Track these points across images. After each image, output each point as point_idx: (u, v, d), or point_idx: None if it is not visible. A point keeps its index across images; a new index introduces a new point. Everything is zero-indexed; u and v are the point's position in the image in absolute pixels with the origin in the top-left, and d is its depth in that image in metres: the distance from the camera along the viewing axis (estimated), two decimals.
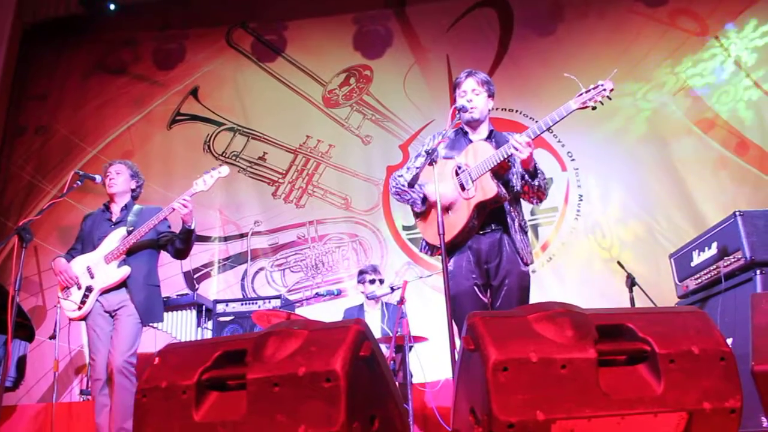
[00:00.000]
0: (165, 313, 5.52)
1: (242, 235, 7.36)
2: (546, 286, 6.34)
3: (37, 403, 6.33)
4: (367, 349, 1.65)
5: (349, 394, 1.54)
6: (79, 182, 4.25)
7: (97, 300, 4.02)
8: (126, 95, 8.13)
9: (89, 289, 4.03)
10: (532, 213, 6.70)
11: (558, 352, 1.57)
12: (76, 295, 4.05)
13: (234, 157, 7.67)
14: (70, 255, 4.24)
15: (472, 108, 3.29)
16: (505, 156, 3.09)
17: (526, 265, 3.24)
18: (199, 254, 7.21)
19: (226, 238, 7.38)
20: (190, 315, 5.71)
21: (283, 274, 7.16)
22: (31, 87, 8.39)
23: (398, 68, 7.64)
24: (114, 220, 4.23)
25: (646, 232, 6.43)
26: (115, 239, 4.09)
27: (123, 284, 4.03)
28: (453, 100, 3.48)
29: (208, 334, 5.71)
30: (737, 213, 3.64)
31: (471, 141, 3.38)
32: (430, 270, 6.26)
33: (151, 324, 4.31)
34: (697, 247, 4.08)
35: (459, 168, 3.26)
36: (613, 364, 1.62)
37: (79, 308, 4.02)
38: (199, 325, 5.71)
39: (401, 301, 4.64)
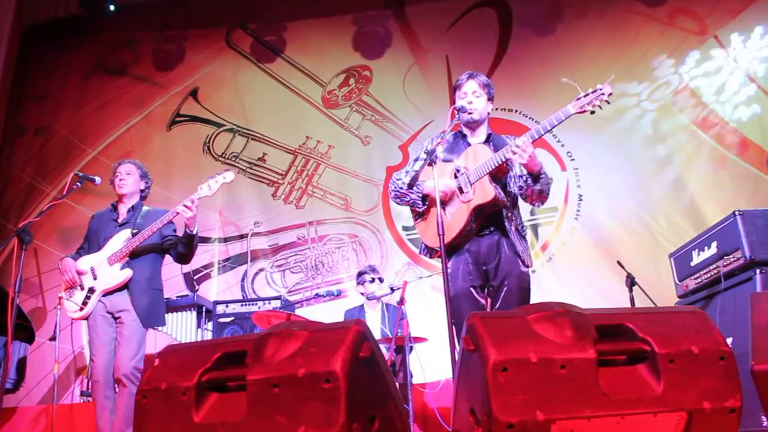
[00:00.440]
0: (166, 314, 5.54)
1: (242, 236, 7.36)
2: (546, 286, 6.34)
3: (37, 404, 6.33)
4: (366, 349, 1.65)
5: (349, 394, 1.54)
6: (78, 183, 4.25)
7: (99, 301, 4.03)
8: (126, 96, 8.13)
9: (91, 290, 4.03)
10: (532, 213, 6.70)
11: (558, 353, 1.57)
12: (79, 295, 4.05)
13: (234, 158, 7.67)
14: (78, 254, 4.24)
15: (471, 110, 3.30)
16: (503, 160, 3.10)
17: (526, 266, 3.24)
18: (199, 255, 7.15)
19: (226, 239, 7.38)
20: (190, 316, 5.71)
21: (283, 274, 7.16)
22: (31, 88, 8.39)
23: (398, 69, 7.64)
24: (120, 221, 4.22)
25: (646, 232, 6.43)
26: (119, 241, 4.09)
27: (126, 286, 4.03)
28: (453, 101, 3.49)
29: (208, 336, 5.71)
30: (737, 212, 3.64)
31: (469, 144, 3.38)
32: (429, 270, 6.27)
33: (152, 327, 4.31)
34: (696, 246, 4.08)
35: (457, 171, 3.27)
36: (613, 364, 1.62)
37: (81, 309, 4.02)
38: (199, 326, 5.71)
39: (401, 302, 4.64)
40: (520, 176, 3.32)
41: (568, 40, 7.27)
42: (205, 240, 7.32)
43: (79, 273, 4.05)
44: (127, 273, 4.01)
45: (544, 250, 6.67)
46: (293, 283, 7.10)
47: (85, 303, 4.02)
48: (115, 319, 4.03)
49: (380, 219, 7.16)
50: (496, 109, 6.88)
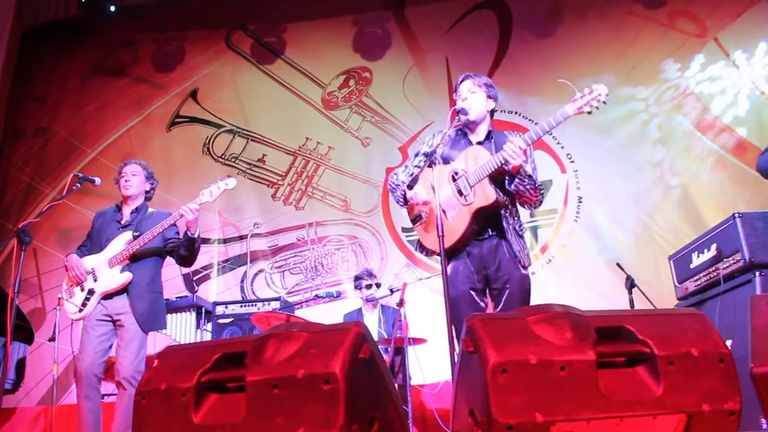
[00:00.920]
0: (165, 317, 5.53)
1: (242, 237, 7.36)
2: (545, 288, 6.34)
3: (36, 405, 6.33)
4: (366, 351, 1.65)
5: (349, 396, 1.54)
6: (78, 184, 4.24)
7: (99, 303, 4.02)
8: (125, 97, 8.13)
9: (91, 292, 4.03)
10: (531, 215, 6.70)
11: (557, 354, 1.57)
12: (78, 297, 4.05)
13: (233, 159, 7.67)
14: (80, 252, 4.24)
15: (467, 109, 3.30)
16: (501, 162, 3.10)
17: (525, 268, 3.24)
18: (198, 256, 7.19)
19: (225, 240, 7.38)
20: (190, 317, 5.71)
21: (282, 276, 7.16)
22: (31, 89, 8.39)
23: (397, 70, 7.65)
24: (123, 222, 4.21)
25: (646, 234, 6.44)
26: (120, 243, 4.08)
27: (125, 290, 4.03)
28: (453, 103, 3.50)
29: (208, 336, 5.71)
30: (736, 215, 3.64)
31: (470, 142, 3.38)
32: (429, 272, 6.27)
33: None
34: (696, 248, 4.09)
35: (456, 173, 3.26)
36: (613, 366, 1.62)
37: (80, 310, 4.02)
38: (198, 327, 5.71)
39: (401, 303, 4.64)
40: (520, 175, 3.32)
41: (568, 42, 7.28)
42: (205, 241, 7.32)
43: (82, 272, 4.04)
44: (127, 276, 4.01)
45: (543, 252, 6.66)
46: (293, 285, 7.10)
47: (84, 304, 4.02)
48: (115, 322, 4.03)
49: (380, 220, 7.16)
50: (497, 110, 6.94)
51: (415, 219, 3.40)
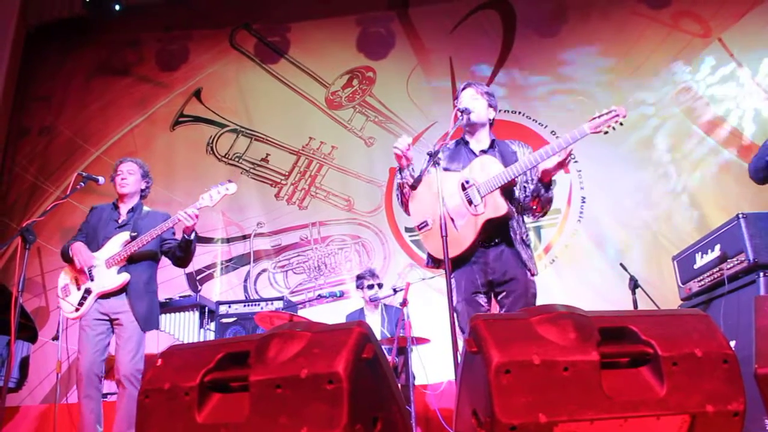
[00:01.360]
0: (168, 315, 5.55)
1: (245, 237, 7.37)
2: (548, 289, 6.33)
3: (40, 404, 6.34)
4: (369, 351, 1.65)
5: (352, 396, 1.54)
6: (82, 183, 4.25)
7: (96, 301, 4.03)
8: (129, 96, 8.15)
9: (87, 292, 4.03)
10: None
11: (560, 355, 1.57)
12: (75, 296, 4.06)
13: (237, 159, 7.68)
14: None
15: (471, 110, 3.31)
16: (518, 174, 3.10)
17: (532, 275, 3.24)
18: (201, 256, 7.22)
19: (228, 240, 7.39)
20: (193, 316, 5.71)
21: (285, 275, 7.16)
22: (35, 88, 8.42)
23: (401, 70, 7.65)
24: (120, 222, 4.22)
25: (649, 234, 6.43)
26: (117, 243, 4.09)
27: (123, 290, 4.04)
28: (455, 107, 3.51)
29: (211, 336, 5.71)
30: (740, 215, 3.64)
31: (472, 151, 3.38)
32: (432, 272, 6.27)
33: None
34: (700, 249, 4.08)
35: (466, 182, 3.24)
36: (616, 367, 1.61)
37: (77, 309, 4.03)
38: (201, 326, 5.72)
39: (404, 303, 4.64)
40: (528, 183, 3.32)
41: (572, 42, 7.27)
42: (208, 240, 7.33)
43: (86, 259, 4.03)
44: (124, 277, 4.02)
45: (546, 252, 6.66)
46: (296, 284, 7.11)
47: (81, 304, 4.03)
48: (112, 321, 4.04)
49: (383, 220, 7.16)
50: (501, 111, 6.93)
51: (421, 225, 3.37)
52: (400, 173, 3.36)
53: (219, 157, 7.73)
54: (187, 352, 1.86)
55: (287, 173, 7.57)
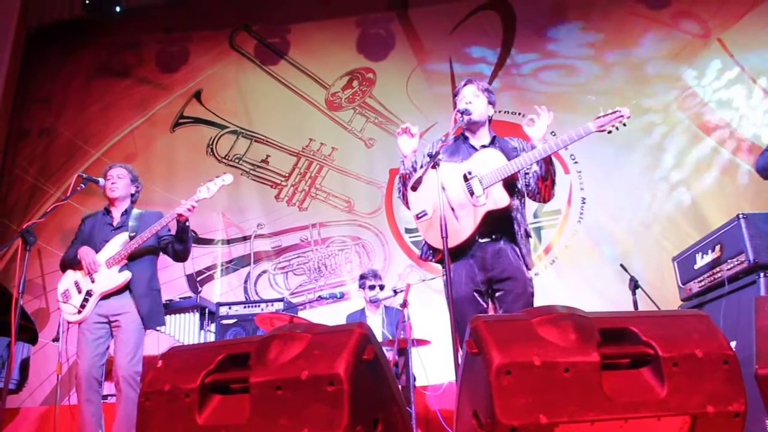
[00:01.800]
0: (168, 316, 5.55)
1: (245, 238, 7.37)
2: (549, 289, 6.33)
3: (40, 405, 6.34)
4: (370, 352, 1.65)
5: (353, 397, 1.54)
6: (82, 185, 4.26)
7: (97, 303, 4.03)
8: (129, 98, 8.15)
9: (89, 294, 4.04)
10: (535, 216, 6.70)
11: (561, 356, 1.57)
12: (76, 298, 4.06)
13: (237, 160, 7.68)
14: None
15: (471, 110, 3.32)
16: (522, 167, 3.11)
17: (529, 270, 3.25)
18: (202, 257, 7.22)
19: (229, 241, 7.39)
20: (193, 318, 5.71)
21: (286, 276, 7.16)
22: (36, 90, 8.42)
23: (401, 71, 7.65)
24: (115, 224, 4.23)
25: (649, 235, 6.42)
26: (116, 244, 4.10)
27: (125, 289, 4.04)
28: (455, 105, 3.51)
29: (211, 337, 5.71)
30: (740, 216, 3.64)
31: (472, 146, 3.39)
32: (433, 273, 6.26)
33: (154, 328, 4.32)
34: (700, 249, 4.08)
35: (468, 173, 3.25)
36: (617, 368, 1.61)
37: (79, 312, 4.03)
38: (202, 328, 5.72)
39: (404, 304, 4.63)
40: (529, 173, 3.34)
41: (571, 42, 7.28)
42: (208, 242, 7.33)
43: (92, 261, 4.04)
44: (126, 275, 4.03)
45: (547, 253, 6.66)
46: (296, 285, 7.10)
47: (83, 306, 4.03)
48: (111, 323, 4.04)
49: (383, 221, 7.15)
50: (501, 111, 6.94)
51: (420, 215, 3.36)
52: (403, 164, 3.38)
53: (219, 158, 7.73)
54: (187, 354, 1.86)
55: (287, 174, 7.57)
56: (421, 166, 3.35)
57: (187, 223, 4.08)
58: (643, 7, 7.17)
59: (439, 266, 3.51)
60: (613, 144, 6.78)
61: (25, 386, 5.28)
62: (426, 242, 3.36)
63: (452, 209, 3.20)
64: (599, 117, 3.10)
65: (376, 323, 5.47)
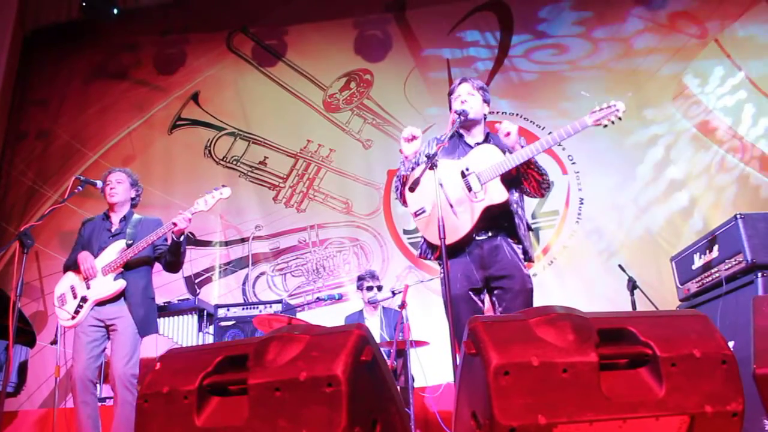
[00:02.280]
0: (166, 318, 5.55)
1: (243, 240, 7.36)
2: (547, 290, 6.33)
3: (38, 408, 6.33)
4: (368, 353, 1.65)
5: (351, 398, 1.54)
6: (80, 187, 4.25)
7: (92, 308, 4.03)
8: (127, 100, 8.15)
9: (84, 300, 4.04)
10: (533, 216, 6.71)
11: (559, 356, 1.57)
12: (71, 304, 4.06)
13: (235, 162, 7.68)
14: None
15: (467, 109, 3.32)
16: (520, 161, 3.11)
17: (526, 267, 3.24)
18: (200, 259, 7.21)
19: (227, 243, 7.38)
20: (192, 320, 5.71)
21: (284, 278, 7.16)
22: (33, 92, 8.42)
23: (399, 72, 7.65)
24: (113, 231, 4.23)
25: (647, 235, 6.43)
26: (113, 251, 4.10)
27: (120, 296, 4.04)
28: (450, 103, 3.52)
29: (210, 339, 5.71)
30: (738, 216, 3.64)
31: (467, 144, 3.39)
32: (431, 274, 6.26)
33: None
34: (698, 249, 4.08)
35: (466, 170, 3.25)
36: (615, 368, 1.62)
37: (73, 317, 4.03)
38: (200, 329, 5.71)
39: (402, 306, 4.63)
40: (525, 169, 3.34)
41: (570, 43, 7.29)
42: (207, 243, 7.33)
43: (91, 267, 4.04)
44: (121, 284, 4.03)
45: (545, 254, 6.66)
46: (294, 287, 7.10)
47: (77, 312, 4.03)
48: (108, 327, 4.04)
49: (381, 222, 7.16)
50: (498, 112, 6.95)
51: (418, 212, 3.34)
52: (404, 165, 3.36)
53: (217, 160, 7.73)
54: (185, 356, 1.86)
55: (285, 176, 7.57)
56: (419, 164, 3.36)
57: (182, 237, 4.08)
58: (640, 8, 7.18)
59: (436, 266, 3.50)
60: (611, 144, 6.80)
61: (23, 389, 5.27)
62: (425, 240, 3.34)
63: (450, 206, 3.19)
64: (595, 111, 3.11)
65: (375, 325, 5.47)
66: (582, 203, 6.73)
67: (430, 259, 3.36)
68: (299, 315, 5.93)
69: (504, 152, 3.22)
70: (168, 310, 5.64)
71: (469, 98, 3.38)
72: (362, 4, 8.07)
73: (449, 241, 3.03)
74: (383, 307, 5.60)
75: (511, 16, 7.55)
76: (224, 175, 7.54)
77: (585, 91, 6.92)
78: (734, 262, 3.63)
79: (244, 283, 7.18)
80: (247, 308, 5.71)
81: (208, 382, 1.73)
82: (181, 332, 5.67)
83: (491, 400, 1.51)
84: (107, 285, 4.03)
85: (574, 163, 6.84)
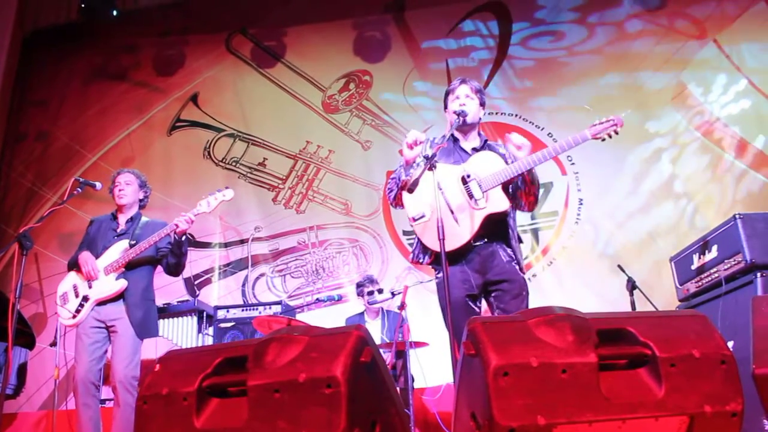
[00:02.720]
0: (166, 320, 5.54)
1: (243, 241, 7.36)
2: (546, 290, 6.34)
3: (38, 410, 6.32)
4: (367, 354, 1.65)
5: (350, 399, 1.54)
6: (79, 189, 4.26)
7: (93, 308, 4.03)
8: (126, 101, 8.15)
9: (85, 299, 4.03)
10: (533, 217, 6.70)
11: (558, 357, 1.57)
12: (72, 303, 4.06)
13: (234, 163, 7.68)
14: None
15: (467, 111, 3.32)
16: (522, 171, 3.11)
17: (522, 272, 3.24)
18: (199, 260, 7.21)
19: (226, 244, 7.38)
20: (191, 321, 5.70)
21: (283, 279, 7.15)
22: (32, 93, 8.42)
23: (398, 73, 7.65)
24: (118, 231, 4.23)
25: (647, 236, 6.43)
26: (116, 251, 4.10)
27: (120, 297, 4.04)
28: (445, 106, 3.52)
29: (209, 341, 5.70)
30: (737, 216, 3.64)
31: (463, 149, 3.38)
32: (430, 275, 6.26)
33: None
34: (697, 250, 4.08)
35: (467, 176, 3.23)
36: (614, 369, 1.61)
37: (74, 316, 4.03)
38: (200, 331, 5.71)
39: (402, 306, 4.63)
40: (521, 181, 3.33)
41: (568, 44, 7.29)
42: (206, 245, 7.33)
43: (93, 268, 4.04)
44: (122, 284, 4.03)
45: (544, 254, 6.66)
46: (294, 288, 7.10)
47: (78, 311, 4.03)
48: (108, 328, 4.04)
49: (381, 224, 7.15)
50: (497, 113, 6.95)
51: (417, 217, 3.31)
52: (405, 169, 3.31)
53: (216, 161, 7.73)
54: (185, 357, 1.86)
55: (284, 177, 7.57)
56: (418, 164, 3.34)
57: (183, 238, 4.08)
58: (639, 8, 7.18)
59: (432, 269, 3.47)
60: (610, 145, 6.77)
61: (22, 391, 5.26)
62: (418, 244, 3.31)
63: (451, 212, 3.18)
64: (594, 125, 3.15)
65: (376, 328, 5.47)
66: (581, 204, 6.73)
67: (422, 263, 3.31)
68: (299, 316, 5.93)
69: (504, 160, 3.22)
70: (167, 311, 5.64)
71: (467, 101, 3.37)
72: (361, 5, 8.07)
73: (449, 248, 3.00)
74: (385, 311, 5.59)
75: (510, 16, 7.55)
76: (223, 176, 7.54)
77: (585, 92, 6.92)
78: (733, 263, 3.64)
79: (243, 285, 7.17)
80: (246, 309, 5.71)
81: (208, 384, 1.73)
82: (181, 334, 5.66)
83: (490, 401, 1.51)
84: (109, 284, 4.03)
85: (573, 163, 6.84)
